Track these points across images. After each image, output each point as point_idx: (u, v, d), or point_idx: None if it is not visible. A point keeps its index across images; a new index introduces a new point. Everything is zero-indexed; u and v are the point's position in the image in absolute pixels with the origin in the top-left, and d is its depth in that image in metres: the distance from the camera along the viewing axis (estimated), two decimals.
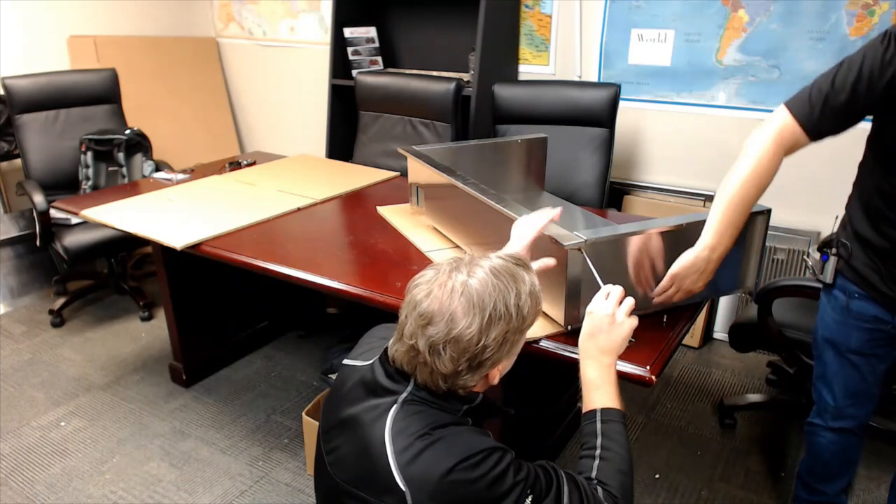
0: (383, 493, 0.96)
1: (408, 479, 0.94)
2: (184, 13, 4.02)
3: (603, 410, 1.12)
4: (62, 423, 2.40)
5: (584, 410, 1.14)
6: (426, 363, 0.98)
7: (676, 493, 2.05)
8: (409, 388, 1.02)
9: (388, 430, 0.98)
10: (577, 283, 1.36)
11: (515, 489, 0.95)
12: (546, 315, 1.47)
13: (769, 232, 1.67)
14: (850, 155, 2.65)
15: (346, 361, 1.17)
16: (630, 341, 1.20)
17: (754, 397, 2.50)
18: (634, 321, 1.18)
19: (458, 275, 0.99)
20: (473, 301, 0.96)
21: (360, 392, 1.06)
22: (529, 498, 0.96)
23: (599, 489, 1.04)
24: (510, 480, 0.96)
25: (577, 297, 1.37)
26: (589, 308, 1.18)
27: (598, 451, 1.08)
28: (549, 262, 1.35)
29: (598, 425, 1.10)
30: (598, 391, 1.14)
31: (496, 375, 1.05)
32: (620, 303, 1.18)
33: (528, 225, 1.39)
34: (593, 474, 1.06)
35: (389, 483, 0.95)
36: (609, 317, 1.15)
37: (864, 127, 2.60)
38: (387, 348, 1.06)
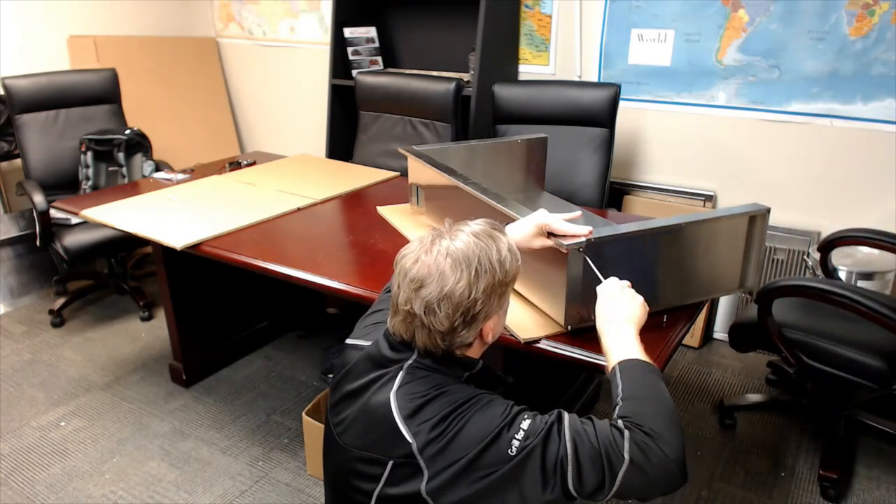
0: (392, 449, 1.02)
1: (413, 431, 1.00)
2: (184, 13, 4.01)
3: (620, 363, 1.09)
4: (62, 423, 2.40)
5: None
6: (423, 325, 1.04)
7: (676, 493, 2.05)
8: (414, 356, 1.08)
9: (394, 391, 1.05)
10: (577, 282, 1.36)
11: (511, 411, 1.01)
12: (546, 315, 1.47)
13: (769, 232, 1.67)
14: (850, 155, 2.66)
15: (349, 341, 1.23)
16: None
17: (754, 397, 2.50)
18: (640, 298, 1.23)
19: (441, 240, 1.07)
20: (459, 259, 1.03)
21: (367, 365, 1.12)
22: (527, 422, 0.99)
23: (619, 421, 1.00)
24: (506, 407, 1.02)
25: (577, 297, 1.38)
26: (598, 289, 1.25)
27: (618, 398, 1.04)
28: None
29: (618, 375, 1.07)
30: (617, 352, 1.12)
31: (489, 333, 1.10)
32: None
33: (547, 217, 1.39)
34: (614, 415, 1.02)
35: (397, 438, 1.01)
36: (619, 290, 1.23)
37: (863, 127, 2.62)
38: (387, 329, 1.12)
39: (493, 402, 1.03)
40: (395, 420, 1.02)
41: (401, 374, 1.07)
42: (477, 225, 1.10)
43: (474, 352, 1.12)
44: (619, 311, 1.19)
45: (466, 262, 1.03)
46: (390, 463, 1.01)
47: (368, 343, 1.17)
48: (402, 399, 1.03)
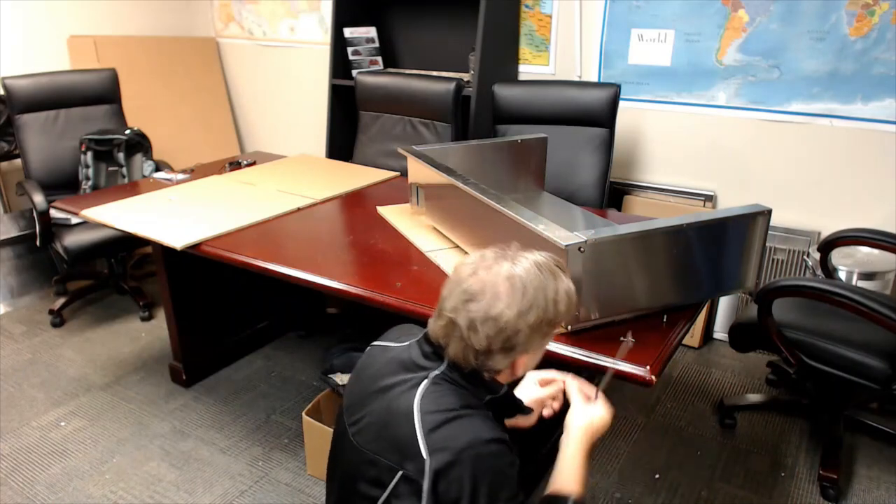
0: (405, 460, 1.01)
1: (431, 448, 0.99)
2: (184, 13, 4.02)
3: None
4: (62, 423, 2.40)
5: (553, 489, 1.13)
6: (462, 337, 1.03)
7: (676, 493, 2.05)
8: (442, 368, 1.07)
9: (417, 400, 1.03)
10: (578, 282, 1.36)
11: (516, 497, 1.01)
12: None
13: (769, 232, 1.67)
14: (850, 155, 2.66)
15: (376, 343, 1.23)
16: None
17: (754, 397, 2.50)
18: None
19: (503, 261, 1.05)
20: (516, 285, 1.02)
21: (393, 367, 1.11)
22: None
23: None
24: (514, 483, 1.01)
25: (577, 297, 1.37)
26: (587, 414, 1.20)
27: None
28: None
29: None
30: (575, 473, 1.14)
31: (521, 366, 1.10)
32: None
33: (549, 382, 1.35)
34: None
35: (413, 450, 1.00)
36: (608, 420, 1.20)
37: (863, 127, 2.62)
38: (426, 332, 1.12)
39: (512, 462, 1.02)
40: (415, 431, 1.00)
41: (425, 382, 1.05)
42: (542, 256, 1.08)
43: (502, 378, 1.11)
44: (595, 435, 1.18)
45: (522, 291, 1.02)
46: (400, 473, 1.01)
47: (398, 345, 1.16)
48: (426, 410, 1.02)
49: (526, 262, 1.05)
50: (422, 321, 1.54)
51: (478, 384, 1.08)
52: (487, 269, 1.04)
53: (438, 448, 0.98)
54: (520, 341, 1.03)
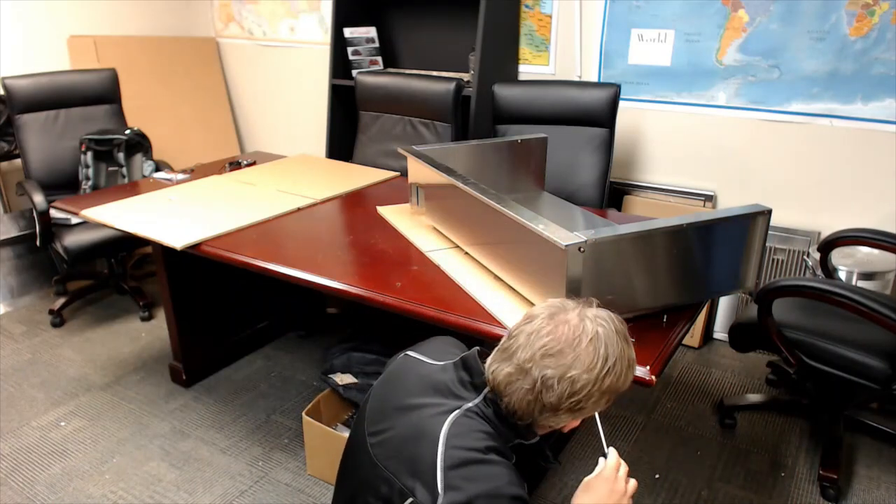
0: (418, 486, 0.99)
1: (448, 484, 0.96)
2: (184, 13, 4.02)
3: None
4: (62, 423, 2.40)
5: None
6: (531, 390, 1.00)
7: (676, 493, 2.05)
8: (477, 401, 1.05)
9: (446, 430, 1.01)
10: (578, 282, 1.36)
11: None
12: None
13: (769, 232, 1.67)
14: (850, 155, 2.66)
15: (410, 353, 1.20)
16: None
17: (754, 397, 2.50)
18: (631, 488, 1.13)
19: (586, 321, 1.02)
20: (600, 350, 1.00)
21: (425, 387, 1.08)
22: None
23: None
24: None
25: (576, 295, 1.37)
26: (605, 475, 1.11)
27: None
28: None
29: None
30: None
31: (572, 425, 1.08)
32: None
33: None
34: None
35: (429, 479, 0.98)
36: (623, 498, 1.11)
37: (863, 127, 2.62)
38: (465, 357, 1.09)
39: None
40: (436, 461, 0.98)
41: (457, 412, 1.03)
42: (620, 322, 1.06)
43: (543, 430, 1.09)
44: None
45: (604, 358, 1.00)
46: (410, 500, 0.99)
47: (434, 362, 1.13)
48: (452, 444, 0.99)
49: (609, 327, 1.02)
50: (421, 321, 1.55)
51: (512, 426, 1.05)
52: (567, 325, 1.01)
53: (455, 487, 0.96)
54: (589, 405, 1.02)
